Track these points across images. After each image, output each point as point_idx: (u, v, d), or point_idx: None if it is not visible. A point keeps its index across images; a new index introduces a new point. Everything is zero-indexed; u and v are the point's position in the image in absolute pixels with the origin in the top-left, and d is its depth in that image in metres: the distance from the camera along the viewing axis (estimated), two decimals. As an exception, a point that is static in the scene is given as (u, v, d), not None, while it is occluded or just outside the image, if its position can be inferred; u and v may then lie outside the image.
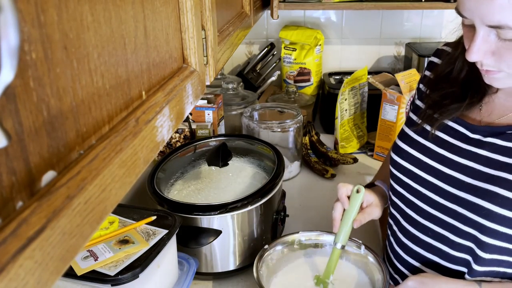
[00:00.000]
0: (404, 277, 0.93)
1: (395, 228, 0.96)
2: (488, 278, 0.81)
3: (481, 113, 0.83)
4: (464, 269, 0.83)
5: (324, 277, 0.90)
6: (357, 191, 0.91)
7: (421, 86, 0.97)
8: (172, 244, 0.88)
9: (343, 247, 0.90)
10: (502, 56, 0.69)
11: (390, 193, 0.97)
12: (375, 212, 0.96)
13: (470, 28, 0.72)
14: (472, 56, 0.71)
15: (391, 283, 0.98)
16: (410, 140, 0.91)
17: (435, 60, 0.95)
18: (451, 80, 0.86)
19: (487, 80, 0.76)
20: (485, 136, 0.80)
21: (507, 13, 0.64)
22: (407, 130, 0.93)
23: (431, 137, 0.86)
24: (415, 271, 0.91)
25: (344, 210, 0.93)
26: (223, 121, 1.51)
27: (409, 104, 1.50)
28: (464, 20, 0.72)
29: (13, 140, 0.26)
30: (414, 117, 0.93)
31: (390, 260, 0.99)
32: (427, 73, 0.96)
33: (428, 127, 0.88)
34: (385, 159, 1.13)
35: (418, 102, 0.94)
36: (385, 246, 1.05)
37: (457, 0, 0.71)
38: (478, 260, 0.80)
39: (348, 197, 0.93)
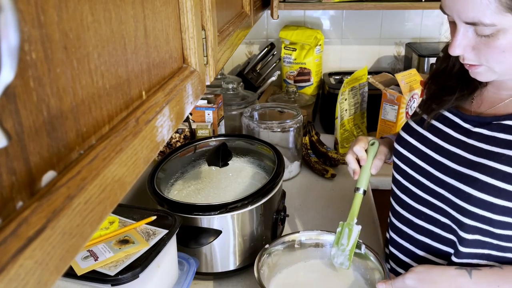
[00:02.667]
0: (399, 262, 0.99)
1: (390, 214, 1.02)
2: (475, 261, 0.85)
3: (472, 105, 0.88)
4: (451, 250, 0.88)
5: (349, 221, 0.96)
6: (372, 144, 1.01)
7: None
8: (172, 244, 0.88)
9: (364, 192, 0.98)
10: (481, 51, 0.74)
11: (391, 183, 1.02)
12: (383, 158, 1.02)
13: (453, 24, 0.77)
14: (454, 50, 0.76)
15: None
16: (410, 129, 0.96)
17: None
18: (447, 74, 0.91)
19: (471, 74, 0.81)
20: (474, 126, 0.84)
21: (480, 11, 0.68)
22: (409, 121, 0.98)
23: (426, 126, 0.92)
24: (408, 253, 0.97)
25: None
26: (223, 121, 1.51)
27: (409, 103, 1.50)
28: (448, 17, 0.77)
29: (13, 140, 0.26)
30: (417, 109, 0.98)
31: (388, 249, 1.04)
32: (434, 67, 1.00)
33: (425, 117, 0.93)
34: None
35: (424, 97, 0.99)
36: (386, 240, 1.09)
37: None
38: (462, 241, 0.84)
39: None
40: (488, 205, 0.79)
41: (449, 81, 0.90)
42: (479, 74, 0.79)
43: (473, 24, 0.71)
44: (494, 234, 0.81)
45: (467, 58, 0.77)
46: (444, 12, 0.76)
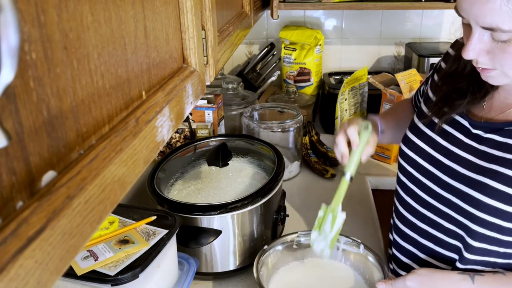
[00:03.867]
0: (401, 264, 0.98)
1: (394, 215, 1.01)
2: (479, 268, 0.84)
3: (483, 109, 0.86)
4: (456, 256, 0.87)
5: (333, 206, 0.90)
6: (366, 127, 0.91)
7: (435, 76, 0.99)
8: (172, 244, 0.88)
9: (351, 179, 0.89)
10: (496, 55, 0.72)
11: (396, 184, 1.01)
12: (375, 146, 0.95)
13: (468, 27, 0.75)
14: (468, 54, 0.74)
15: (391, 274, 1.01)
16: (418, 131, 0.94)
17: (451, 52, 0.97)
18: (458, 76, 0.90)
19: (483, 77, 0.79)
20: (485, 132, 0.83)
21: (498, 17, 0.66)
22: (416, 121, 0.96)
23: (437, 130, 0.89)
24: (410, 255, 0.96)
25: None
26: (223, 121, 1.51)
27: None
28: (462, 19, 0.75)
29: (13, 140, 0.26)
30: (425, 109, 0.96)
31: (391, 250, 1.04)
32: (442, 64, 0.98)
33: (436, 120, 0.91)
34: (393, 107, 1.21)
35: (430, 94, 0.97)
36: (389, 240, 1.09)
37: (456, 0, 0.74)
38: (468, 247, 0.83)
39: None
40: (497, 211, 0.78)
41: (461, 83, 0.88)
42: (492, 77, 0.77)
43: (490, 29, 0.69)
44: (501, 242, 0.80)
45: (481, 62, 0.75)
46: (459, 15, 0.73)
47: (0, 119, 0.25)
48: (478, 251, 0.83)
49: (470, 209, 0.81)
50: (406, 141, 0.96)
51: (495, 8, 0.66)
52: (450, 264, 0.89)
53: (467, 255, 0.84)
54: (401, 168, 0.97)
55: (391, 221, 1.04)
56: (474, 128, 0.84)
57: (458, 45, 0.94)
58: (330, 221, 0.90)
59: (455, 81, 0.90)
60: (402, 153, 0.96)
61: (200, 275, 1.02)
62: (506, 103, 0.83)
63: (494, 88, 0.85)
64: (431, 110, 0.92)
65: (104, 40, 0.37)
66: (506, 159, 0.78)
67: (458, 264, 0.86)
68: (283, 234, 1.08)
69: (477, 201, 0.80)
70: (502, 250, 0.81)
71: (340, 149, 0.91)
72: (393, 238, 1.02)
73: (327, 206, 0.91)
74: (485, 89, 0.85)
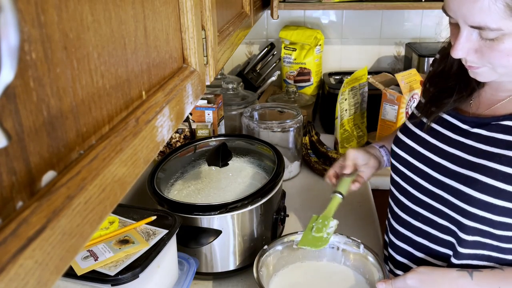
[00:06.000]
0: (398, 264, 0.99)
1: (389, 215, 1.02)
2: (475, 262, 0.85)
3: (470, 106, 0.88)
4: (450, 252, 0.88)
5: (323, 220, 0.96)
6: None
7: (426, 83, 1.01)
8: (172, 244, 0.88)
9: (342, 196, 0.99)
10: (484, 54, 0.73)
11: (390, 184, 1.02)
12: (367, 172, 1.05)
13: (455, 26, 0.76)
14: (457, 53, 0.75)
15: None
16: (408, 132, 0.96)
17: (438, 57, 0.98)
18: (445, 76, 0.91)
19: (471, 74, 0.80)
20: (472, 127, 0.84)
21: (487, 16, 0.67)
22: (407, 123, 0.98)
23: (426, 129, 0.91)
24: (406, 254, 0.97)
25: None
26: (223, 121, 1.51)
27: (409, 103, 1.50)
28: (450, 18, 0.76)
29: (13, 140, 0.26)
30: (415, 111, 0.98)
31: (387, 250, 1.05)
32: (431, 70, 1.00)
33: (425, 120, 0.92)
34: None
35: (421, 99, 0.99)
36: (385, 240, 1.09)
37: (444, 0, 0.75)
38: (461, 242, 0.84)
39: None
40: (488, 206, 0.79)
41: (448, 83, 0.90)
42: (479, 74, 0.78)
43: (478, 28, 0.70)
44: (494, 235, 0.81)
45: (470, 61, 0.76)
46: (447, 14, 0.75)
47: (0, 119, 0.25)
48: (471, 245, 0.84)
49: (462, 204, 0.82)
50: (397, 141, 0.97)
51: (483, 7, 0.67)
52: (445, 261, 0.90)
53: (460, 249, 0.85)
54: (393, 168, 0.98)
55: (386, 222, 1.05)
56: (463, 123, 0.86)
57: (443, 49, 0.95)
58: (320, 223, 0.96)
59: (442, 81, 0.91)
60: (394, 154, 0.98)
61: (200, 275, 1.02)
62: (493, 99, 0.85)
63: (480, 86, 0.86)
64: (420, 111, 0.94)
65: (104, 40, 0.37)
66: (493, 153, 0.79)
67: (453, 260, 0.87)
68: (283, 234, 1.08)
69: (468, 196, 0.81)
70: (495, 243, 0.82)
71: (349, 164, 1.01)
72: (389, 238, 1.02)
73: (317, 216, 0.98)
74: (472, 87, 0.86)
